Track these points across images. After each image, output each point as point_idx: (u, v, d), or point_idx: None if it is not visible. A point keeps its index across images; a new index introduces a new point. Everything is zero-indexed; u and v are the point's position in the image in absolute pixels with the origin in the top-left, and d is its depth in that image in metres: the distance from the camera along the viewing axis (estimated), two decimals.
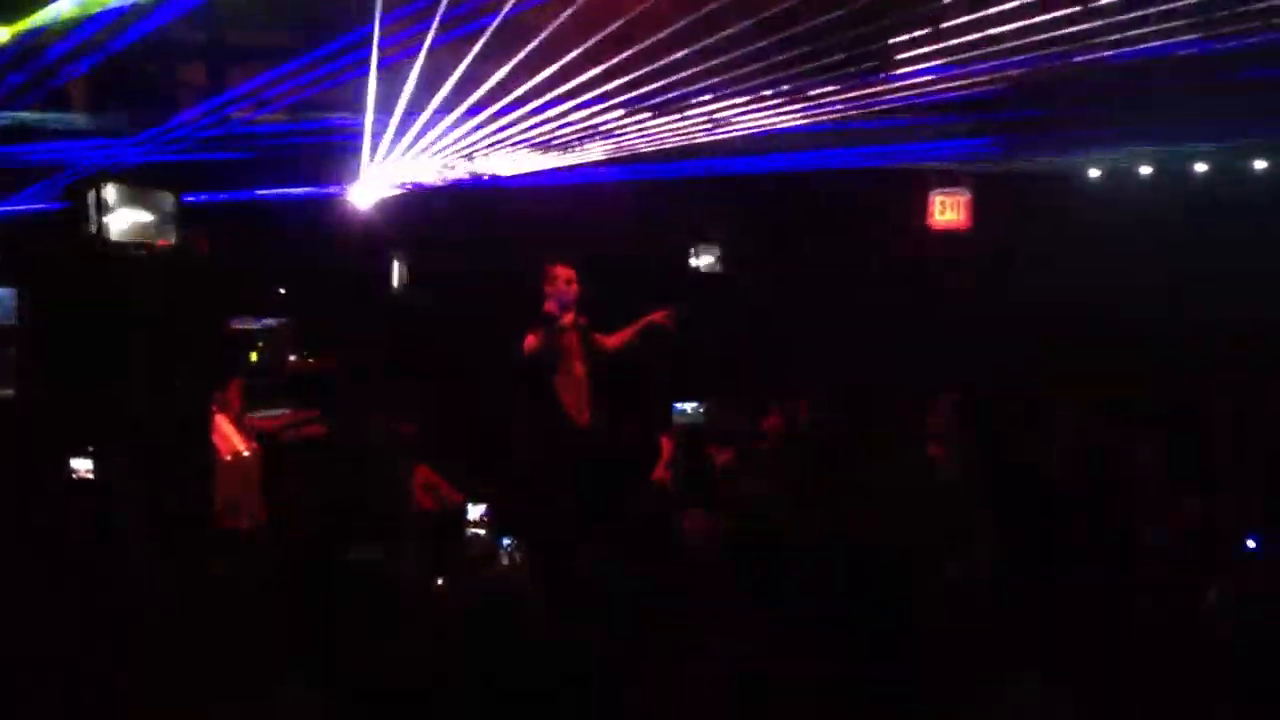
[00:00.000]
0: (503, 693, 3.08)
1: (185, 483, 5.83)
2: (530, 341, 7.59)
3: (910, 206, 11.35)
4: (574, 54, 6.92)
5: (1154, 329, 10.47)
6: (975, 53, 7.12)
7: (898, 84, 7.52)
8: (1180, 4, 6.29)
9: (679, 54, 7.03)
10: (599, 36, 6.75)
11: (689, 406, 8.58)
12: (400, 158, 7.98)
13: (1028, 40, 6.92)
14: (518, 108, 7.57)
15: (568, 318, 7.74)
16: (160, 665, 3.34)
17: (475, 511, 5.89)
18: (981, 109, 8.60)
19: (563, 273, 7.83)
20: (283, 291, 9.47)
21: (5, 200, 7.65)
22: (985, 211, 11.23)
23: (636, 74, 7.20)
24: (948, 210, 11.18)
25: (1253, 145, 10.13)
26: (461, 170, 8.47)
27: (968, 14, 6.75)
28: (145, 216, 6.28)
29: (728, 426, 8.29)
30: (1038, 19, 6.57)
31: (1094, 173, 11.27)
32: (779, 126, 8.38)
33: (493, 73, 7.11)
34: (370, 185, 8.26)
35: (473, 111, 7.55)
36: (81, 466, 4.85)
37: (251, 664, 3.41)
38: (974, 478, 6.18)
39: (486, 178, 8.81)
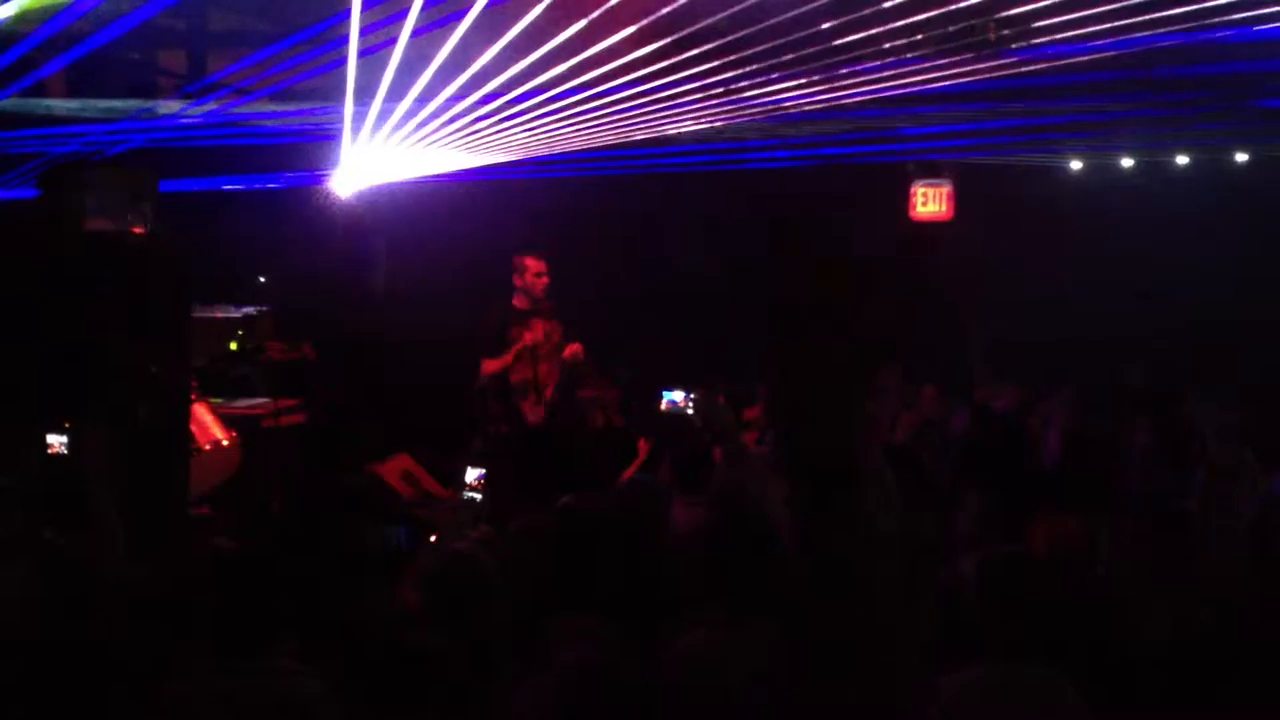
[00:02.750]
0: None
1: (161, 469, 5.80)
2: (489, 366, 7.50)
3: (891, 198, 11.36)
4: (556, 42, 6.90)
5: (1136, 319, 10.52)
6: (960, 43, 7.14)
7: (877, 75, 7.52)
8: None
9: (657, 44, 7.02)
10: (579, 25, 6.73)
11: (677, 395, 8.54)
12: (382, 145, 7.95)
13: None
14: (501, 95, 7.54)
15: (541, 333, 7.58)
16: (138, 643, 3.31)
17: (472, 475, 5.80)
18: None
19: (532, 264, 7.69)
20: (263, 280, 9.43)
21: None
22: (967, 203, 11.25)
23: (616, 63, 7.19)
24: (929, 202, 11.20)
25: (1235, 137, 10.16)
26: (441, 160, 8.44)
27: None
28: (122, 204, 6.24)
29: (714, 415, 8.20)
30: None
31: (1076, 164, 11.30)
32: (762, 117, 8.38)
33: (477, 58, 7.08)
34: (352, 173, 8.23)
35: (454, 99, 7.52)
36: (57, 441, 4.81)
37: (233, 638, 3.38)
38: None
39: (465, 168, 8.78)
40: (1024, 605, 3.18)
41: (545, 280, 7.64)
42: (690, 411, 8.23)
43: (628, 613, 3.41)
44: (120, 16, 6.59)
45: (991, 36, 7.24)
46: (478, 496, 5.57)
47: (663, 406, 8.56)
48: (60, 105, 7.90)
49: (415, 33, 6.46)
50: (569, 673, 1.75)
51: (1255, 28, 6.45)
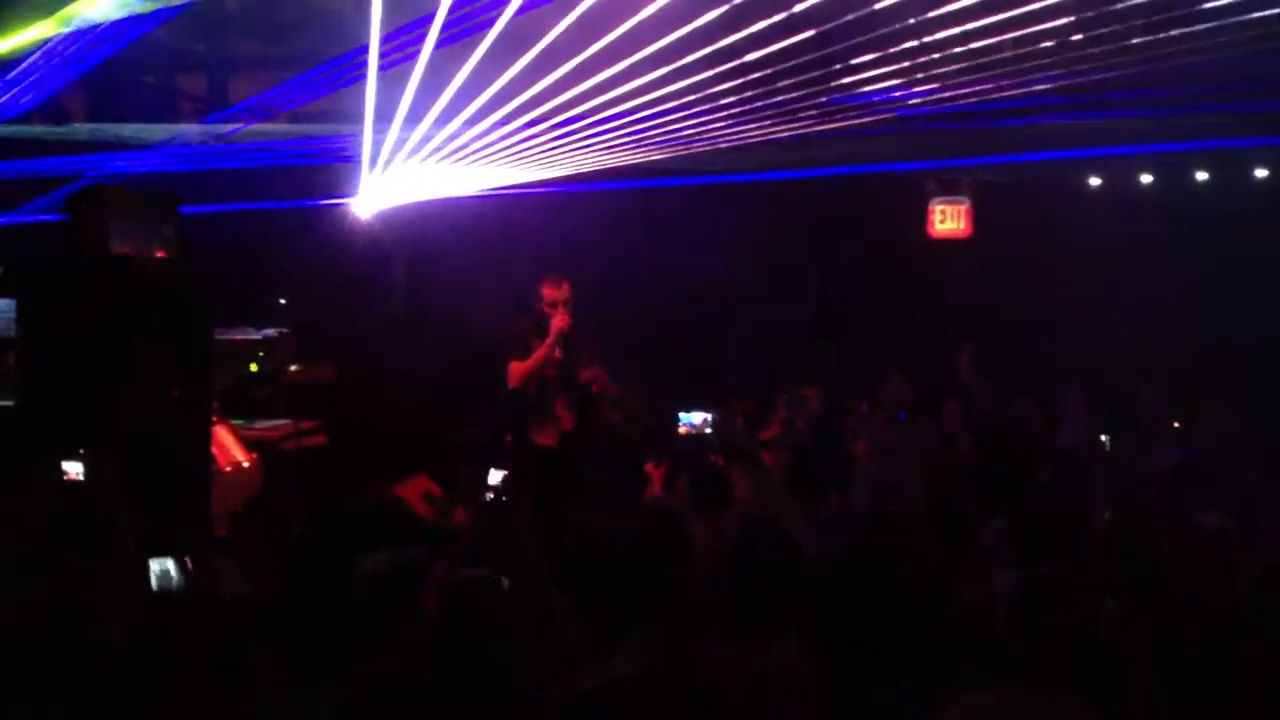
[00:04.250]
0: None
1: (183, 493, 5.82)
2: (518, 369, 7.33)
3: (910, 215, 11.36)
4: (574, 63, 6.93)
5: (1150, 335, 10.48)
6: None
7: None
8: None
9: (678, 63, 7.04)
10: (597, 47, 6.76)
11: (695, 416, 8.48)
12: (401, 167, 7.98)
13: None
14: (519, 116, 7.57)
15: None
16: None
17: (496, 477, 5.78)
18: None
19: (548, 293, 7.35)
20: (283, 302, 9.46)
21: (6, 212, 7.66)
22: (985, 220, 11.23)
23: (637, 82, 7.22)
24: (948, 219, 11.18)
25: (1252, 153, 10.15)
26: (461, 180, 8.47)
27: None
28: (144, 228, 6.27)
29: (733, 436, 8.16)
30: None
31: (1094, 180, 11.27)
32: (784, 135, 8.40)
33: (493, 81, 7.11)
34: (371, 195, 8.26)
35: (474, 119, 7.55)
36: (73, 469, 4.85)
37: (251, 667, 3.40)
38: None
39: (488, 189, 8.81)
40: (1059, 628, 3.16)
41: (560, 310, 7.34)
42: (709, 432, 8.20)
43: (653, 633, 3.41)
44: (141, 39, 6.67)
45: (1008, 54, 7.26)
46: (502, 498, 5.56)
47: (681, 430, 8.53)
48: (83, 130, 7.96)
49: (436, 49, 6.48)
50: (599, 693, 1.75)
51: None
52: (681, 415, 8.46)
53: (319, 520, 6.81)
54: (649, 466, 7.02)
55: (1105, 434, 7.96)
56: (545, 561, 4.24)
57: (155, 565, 4.71)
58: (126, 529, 4.00)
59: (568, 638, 2.77)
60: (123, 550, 4.00)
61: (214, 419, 7.04)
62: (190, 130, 8.18)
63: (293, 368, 8.53)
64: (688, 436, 8.24)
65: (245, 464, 7.40)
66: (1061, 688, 3.09)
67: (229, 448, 7.37)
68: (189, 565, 4.74)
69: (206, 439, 6.67)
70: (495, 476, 5.94)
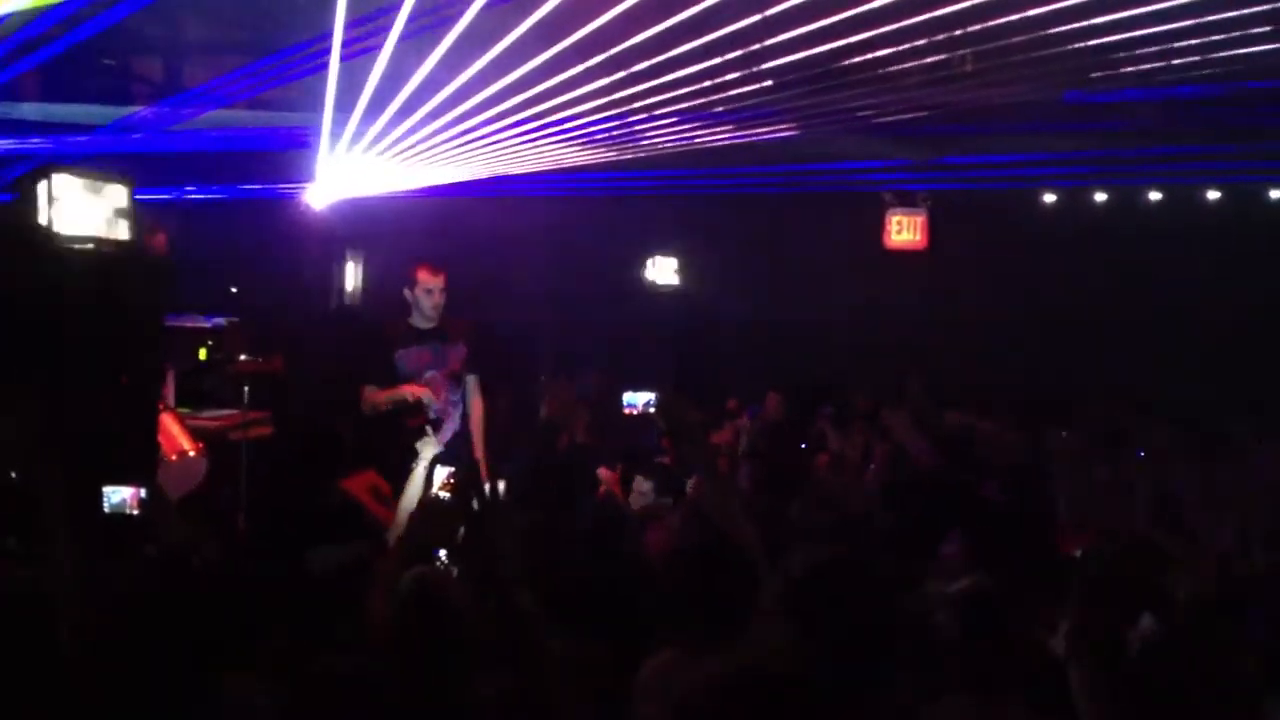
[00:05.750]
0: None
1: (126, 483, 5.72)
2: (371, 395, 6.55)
3: (867, 225, 11.42)
4: (536, 61, 6.91)
5: (1100, 349, 10.62)
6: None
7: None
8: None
9: (639, 66, 7.05)
10: (560, 46, 6.75)
11: (639, 397, 8.39)
12: (359, 158, 7.92)
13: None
14: (480, 112, 7.54)
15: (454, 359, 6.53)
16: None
17: (442, 474, 5.70)
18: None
19: (424, 278, 6.43)
20: (234, 290, 9.35)
21: None
22: (941, 232, 11.32)
23: (597, 84, 7.21)
24: (904, 230, 11.26)
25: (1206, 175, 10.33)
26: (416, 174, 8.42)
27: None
28: (96, 210, 6.16)
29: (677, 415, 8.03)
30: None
31: (1049, 198, 11.40)
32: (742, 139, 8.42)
33: (455, 75, 7.07)
34: (327, 185, 8.19)
35: (434, 114, 7.51)
36: None
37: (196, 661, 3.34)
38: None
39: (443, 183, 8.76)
40: (1002, 638, 3.18)
41: (437, 298, 6.46)
42: (652, 411, 8.10)
43: (602, 635, 3.39)
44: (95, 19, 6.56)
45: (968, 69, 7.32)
46: (445, 495, 5.49)
47: (625, 411, 8.41)
48: (34, 109, 7.83)
49: (399, 41, 6.43)
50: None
51: None
52: (626, 396, 8.39)
53: (264, 513, 6.72)
54: (604, 471, 6.99)
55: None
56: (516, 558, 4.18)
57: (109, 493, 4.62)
58: (62, 523, 3.91)
59: (534, 633, 2.75)
60: (58, 545, 3.91)
61: (160, 407, 6.94)
62: (144, 114, 8.07)
63: (242, 357, 8.43)
64: (632, 418, 8.16)
65: (191, 453, 7.30)
66: (1010, 699, 3.11)
67: (175, 436, 7.27)
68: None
69: (153, 427, 6.57)
70: (441, 473, 5.88)
